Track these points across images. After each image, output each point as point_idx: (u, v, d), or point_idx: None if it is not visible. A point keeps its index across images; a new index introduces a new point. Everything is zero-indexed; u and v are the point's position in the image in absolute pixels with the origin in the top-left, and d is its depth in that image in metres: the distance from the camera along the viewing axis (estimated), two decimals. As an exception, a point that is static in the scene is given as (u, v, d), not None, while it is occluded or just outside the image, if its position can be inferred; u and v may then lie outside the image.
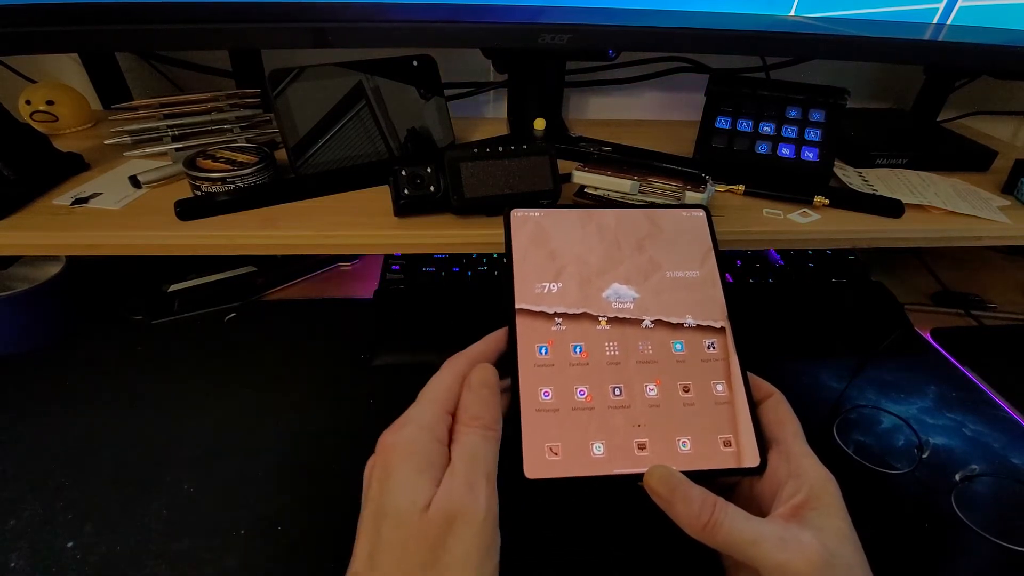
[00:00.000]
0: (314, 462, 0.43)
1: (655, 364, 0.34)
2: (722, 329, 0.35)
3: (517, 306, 0.34)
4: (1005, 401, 0.50)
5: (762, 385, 0.35)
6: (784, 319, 0.59)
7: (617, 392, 0.33)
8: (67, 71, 0.68)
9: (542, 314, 0.34)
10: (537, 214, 0.37)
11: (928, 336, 0.58)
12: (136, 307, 0.56)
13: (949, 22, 0.50)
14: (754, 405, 0.34)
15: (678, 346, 0.35)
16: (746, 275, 0.64)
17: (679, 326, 0.35)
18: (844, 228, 0.50)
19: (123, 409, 0.46)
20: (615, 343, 0.34)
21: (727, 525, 0.28)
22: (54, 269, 0.52)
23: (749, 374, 0.35)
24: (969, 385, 0.52)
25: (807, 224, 0.49)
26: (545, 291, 0.35)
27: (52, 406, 0.46)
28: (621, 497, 0.34)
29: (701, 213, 0.39)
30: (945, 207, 0.52)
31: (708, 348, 0.35)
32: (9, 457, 0.42)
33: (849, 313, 0.60)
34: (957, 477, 0.43)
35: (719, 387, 0.34)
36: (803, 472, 0.30)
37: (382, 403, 0.48)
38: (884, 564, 0.37)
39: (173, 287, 0.57)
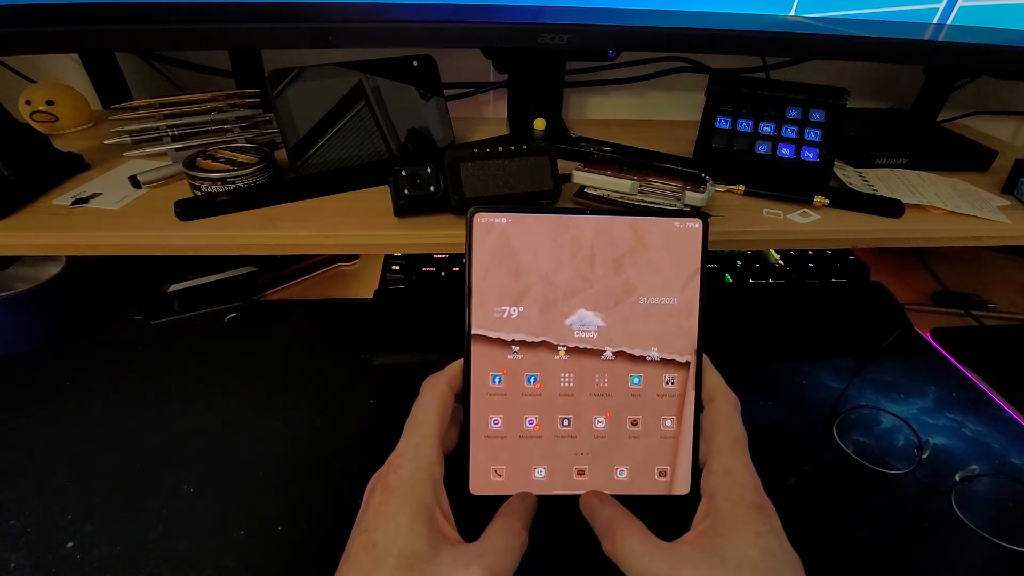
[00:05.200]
0: (314, 462, 0.43)
1: (608, 397, 0.33)
2: (686, 364, 0.33)
3: (473, 331, 0.33)
4: (1005, 401, 0.50)
5: (709, 385, 0.33)
6: (784, 319, 0.59)
7: (565, 423, 0.33)
8: (67, 71, 0.68)
9: (499, 341, 0.33)
10: (504, 220, 0.33)
11: (928, 336, 0.58)
12: (136, 307, 0.56)
13: (949, 22, 0.50)
14: (699, 434, 0.33)
15: (635, 380, 0.33)
16: (746, 275, 0.64)
17: (642, 359, 0.33)
18: (844, 228, 0.50)
19: (123, 409, 0.46)
20: (571, 374, 0.33)
21: (621, 554, 0.28)
22: (54, 269, 0.52)
23: (704, 367, 0.34)
24: (969, 385, 0.52)
25: (807, 224, 0.49)
26: (504, 315, 0.33)
27: (52, 406, 0.46)
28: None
29: (697, 225, 0.33)
30: (945, 207, 0.52)
31: (666, 383, 0.33)
32: (9, 457, 0.42)
33: (849, 313, 0.60)
34: (957, 477, 0.43)
35: (668, 422, 0.33)
36: (715, 491, 0.29)
37: (382, 403, 0.48)
38: (884, 564, 0.38)
39: (173, 287, 0.57)
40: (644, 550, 0.27)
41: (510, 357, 0.33)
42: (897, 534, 0.39)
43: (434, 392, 0.32)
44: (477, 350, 0.33)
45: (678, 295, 0.33)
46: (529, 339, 0.33)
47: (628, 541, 0.28)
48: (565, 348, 0.33)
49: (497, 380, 0.33)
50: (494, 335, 0.33)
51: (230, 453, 0.43)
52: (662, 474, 0.33)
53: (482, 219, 0.33)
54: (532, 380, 0.33)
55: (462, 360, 0.33)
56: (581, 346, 0.33)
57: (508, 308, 0.33)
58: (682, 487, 0.33)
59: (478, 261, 0.33)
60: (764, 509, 0.28)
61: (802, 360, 0.54)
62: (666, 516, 0.30)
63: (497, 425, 0.33)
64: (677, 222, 0.33)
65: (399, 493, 0.28)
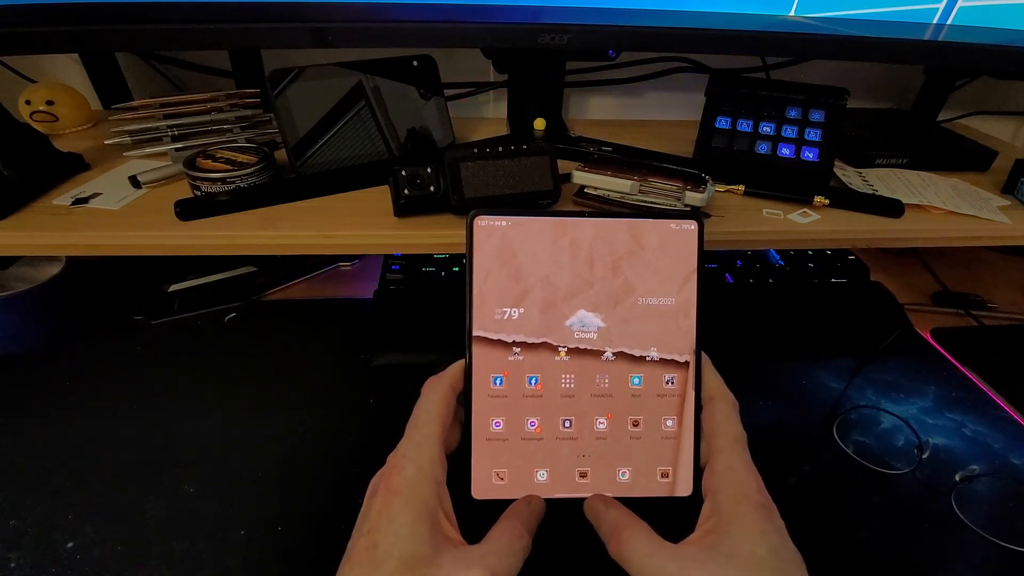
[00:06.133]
0: (314, 462, 0.43)
1: (609, 398, 0.33)
2: (685, 364, 0.33)
3: (474, 333, 0.33)
4: (1005, 401, 0.50)
5: (708, 386, 0.33)
6: (784, 319, 0.59)
7: (567, 424, 0.33)
8: (67, 71, 0.68)
9: (500, 342, 0.33)
10: (504, 223, 0.33)
11: (928, 336, 0.58)
12: (136, 307, 0.56)
13: (949, 22, 0.50)
14: (699, 434, 0.33)
15: (636, 380, 0.33)
16: (746, 275, 0.64)
17: (641, 359, 0.33)
18: (844, 228, 0.50)
19: (123, 409, 0.46)
20: (572, 375, 0.33)
21: (628, 555, 0.28)
22: (54, 269, 0.52)
23: (704, 367, 0.34)
24: (969, 385, 0.52)
25: (807, 224, 0.49)
26: (505, 317, 0.33)
27: (52, 406, 0.46)
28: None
29: (692, 227, 0.34)
30: (945, 207, 0.52)
31: (666, 383, 0.33)
32: (9, 457, 0.42)
33: (849, 313, 0.60)
34: (957, 477, 0.43)
35: (669, 423, 0.33)
36: (718, 491, 0.29)
37: (382, 403, 0.48)
38: (884, 564, 0.38)
39: (173, 287, 0.57)
40: (650, 550, 0.28)
41: (511, 358, 0.33)
42: (897, 534, 0.39)
43: (435, 392, 0.32)
44: (478, 351, 0.33)
45: (675, 295, 0.33)
46: (530, 340, 0.33)
47: (634, 542, 0.28)
48: (565, 349, 0.33)
49: (498, 382, 0.33)
50: (495, 336, 0.33)
51: (230, 453, 0.43)
52: (664, 475, 0.33)
53: (482, 222, 0.33)
54: (533, 381, 0.33)
55: (463, 362, 0.33)
56: (581, 347, 0.33)
57: (509, 310, 0.33)
58: (684, 488, 0.33)
59: (479, 263, 0.33)
60: (767, 507, 0.28)
61: (802, 360, 0.54)
62: (670, 519, 0.30)
63: (499, 427, 0.33)
64: (673, 224, 0.34)
65: (401, 495, 0.28)
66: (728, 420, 0.32)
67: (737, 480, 0.29)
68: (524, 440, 0.33)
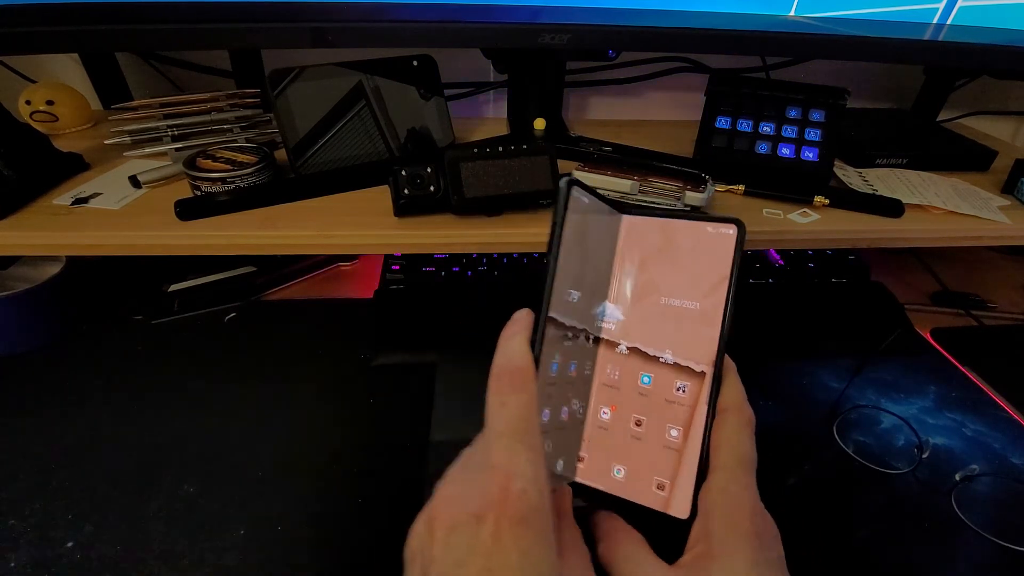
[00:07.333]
0: (314, 462, 0.43)
1: (615, 390, 0.33)
2: (701, 374, 0.32)
3: (550, 314, 0.29)
4: (1005, 401, 0.50)
5: (725, 395, 0.31)
6: (784, 319, 0.59)
7: (580, 410, 0.33)
8: (67, 71, 0.68)
9: (563, 325, 0.30)
10: (587, 200, 0.31)
11: (928, 336, 0.58)
12: (136, 307, 0.56)
13: (949, 22, 0.50)
14: (707, 455, 0.30)
15: (645, 379, 0.32)
16: (746, 275, 0.64)
17: (655, 359, 0.32)
18: (844, 228, 0.50)
19: (123, 409, 0.46)
20: (589, 363, 0.33)
21: (616, 562, 0.27)
22: (54, 269, 0.52)
23: (727, 376, 0.32)
24: (969, 385, 0.52)
25: (807, 224, 0.49)
26: (572, 300, 0.31)
27: (52, 406, 0.46)
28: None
29: (731, 231, 0.32)
30: (945, 207, 0.52)
31: (677, 390, 0.32)
32: (9, 457, 0.42)
33: (849, 313, 0.60)
34: (957, 477, 0.43)
35: (673, 432, 0.32)
36: (711, 513, 0.27)
37: (382, 403, 0.48)
38: (884, 564, 0.38)
39: (173, 287, 0.57)
40: (641, 562, 0.27)
41: (567, 344, 0.31)
42: (897, 534, 0.39)
43: (527, 392, 0.27)
44: (549, 335, 0.29)
45: (702, 300, 0.32)
46: (579, 326, 0.32)
47: (628, 550, 0.27)
48: (593, 338, 0.33)
49: (555, 369, 0.30)
50: (563, 320, 0.30)
51: (230, 453, 0.43)
52: (660, 487, 0.31)
53: (576, 193, 0.30)
54: (573, 368, 0.32)
55: (525, 342, 0.28)
56: (602, 336, 0.33)
57: (573, 292, 0.31)
58: (680, 510, 0.30)
59: (567, 237, 0.29)
60: (761, 536, 0.26)
61: (802, 360, 0.54)
62: (668, 539, 0.29)
63: (546, 419, 0.30)
64: (710, 227, 0.33)
65: (533, 526, 0.23)
66: (737, 437, 0.29)
67: (731, 503, 0.27)
68: (557, 428, 0.31)
